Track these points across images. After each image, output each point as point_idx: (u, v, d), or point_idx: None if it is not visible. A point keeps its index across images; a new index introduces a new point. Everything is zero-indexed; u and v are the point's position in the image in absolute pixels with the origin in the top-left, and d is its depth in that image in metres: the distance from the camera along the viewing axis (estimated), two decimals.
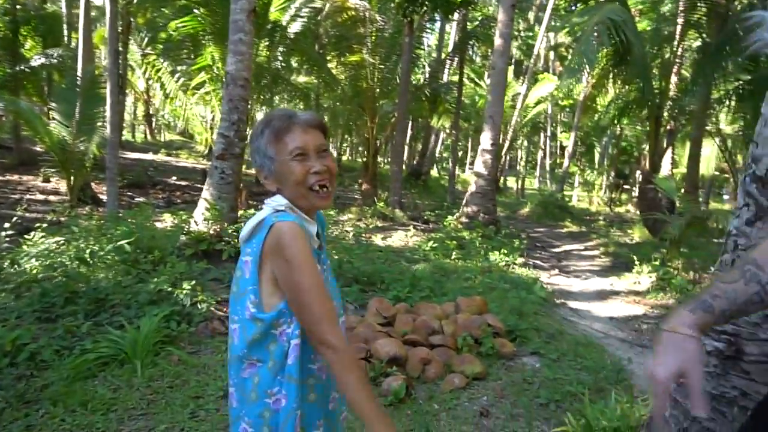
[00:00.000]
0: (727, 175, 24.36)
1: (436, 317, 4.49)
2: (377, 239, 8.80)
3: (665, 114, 10.52)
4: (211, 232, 5.84)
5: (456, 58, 15.75)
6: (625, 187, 29.01)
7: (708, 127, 13.85)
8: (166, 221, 7.96)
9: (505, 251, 8.07)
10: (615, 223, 14.72)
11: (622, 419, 2.34)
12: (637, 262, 7.70)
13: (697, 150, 11.83)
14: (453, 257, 7.59)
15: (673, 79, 11.10)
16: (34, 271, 4.87)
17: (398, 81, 13.76)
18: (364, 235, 9.20)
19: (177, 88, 11.34)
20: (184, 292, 4.48)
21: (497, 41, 9.50)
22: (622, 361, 4.31)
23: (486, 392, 3.61)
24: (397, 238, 9.27)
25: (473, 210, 10.11)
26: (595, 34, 8.19)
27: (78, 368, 3.29)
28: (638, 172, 28.77)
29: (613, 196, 25.74)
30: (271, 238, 1.24)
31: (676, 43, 10.99)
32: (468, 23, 16.38)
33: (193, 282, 4.67)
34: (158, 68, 11.49)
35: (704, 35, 11.18)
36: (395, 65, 13.66)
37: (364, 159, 15.26)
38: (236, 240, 5.98)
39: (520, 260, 8.05)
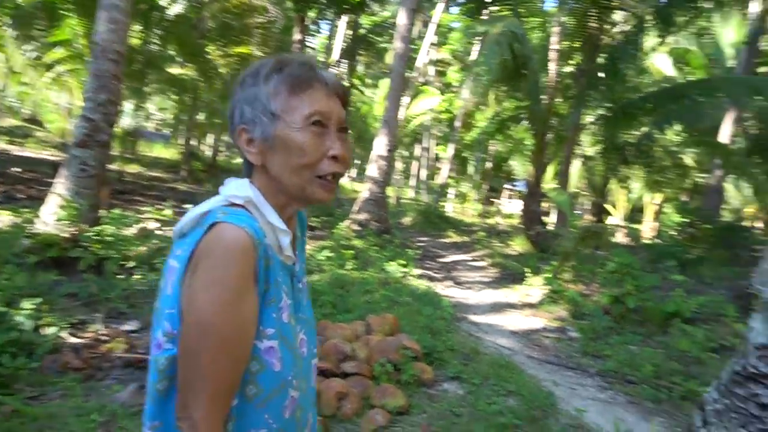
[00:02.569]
0: (585, 193, 26.60)
1: (345, 339, 3.94)
2: None
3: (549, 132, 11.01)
4: (65, 235, 4.74)
5: (346, 62, 15.33)
6: (492, 200, 30.77)
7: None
8: (3, 220, 6.49)
9: (402, 262, 7.73)
10: (493, 234, 15.19)
11: None
12: (529, 274, 7.78)
13: (566, 168, 12.60)
14: (349, 267, 7.07)
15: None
16: None
17: None
18: None
19: (26, 63, 9.56)
20: (25, 312, 3.45)
21: (397, 44, 9.23)
22: (543, 383, 4.09)
23: (413, 429, 3.13)
24: None
25: (365, 217, 9.70)
26: (498, 44, 8.26)
27: None
28: (507, 186, 30.80)
29: (489, 208, 27.03)
30: (207, 241, 0.82)
31: (554, 66, 11.57)
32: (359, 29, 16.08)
33: (38, 300, 3.64)
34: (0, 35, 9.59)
35: (579, 61, 11.93)
36: None
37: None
38: (97, 245, 4.93)
39: (416, 271, 7.76)
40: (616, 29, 11.50)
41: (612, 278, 6.67)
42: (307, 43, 15.87)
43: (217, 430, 0.82)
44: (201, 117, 19.69)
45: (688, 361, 4.81)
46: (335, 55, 20.32)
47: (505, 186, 32.13)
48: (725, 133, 12.67)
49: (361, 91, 24.77)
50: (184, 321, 0.83)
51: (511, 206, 33.19)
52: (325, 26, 24.56)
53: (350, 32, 17.65)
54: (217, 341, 0.81)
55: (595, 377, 4.56)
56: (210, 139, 30.20)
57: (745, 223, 16.86)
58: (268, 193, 0.94)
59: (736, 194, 17.81)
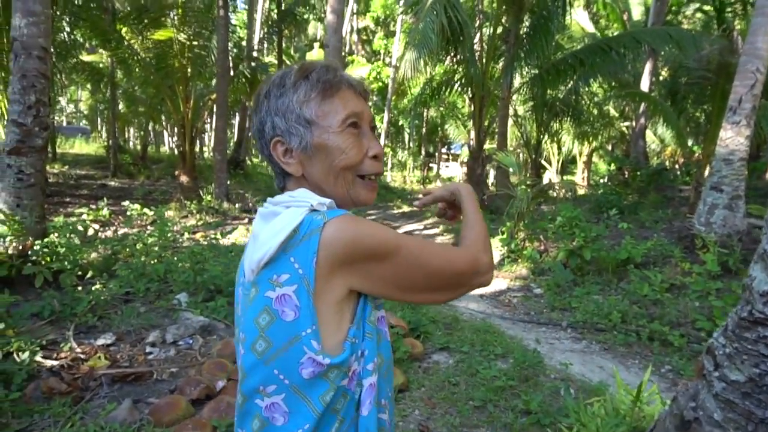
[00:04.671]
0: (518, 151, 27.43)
1: None
2: (218, 238, 7.77)
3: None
4: (12, 251, 4.40)
5: (273, 37, 14.84)
6: (430, 165, 31.21)
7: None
8: None
9: None
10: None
11: (622, 423, 2.11)
12: None
13: (504, 129, 12.92)
14: None
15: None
16: None
17: (213, 60, 12.48)
18: (197, 234, 8.11)
19: None
20: None
21: (329, 17, 9.00)
22: (525, 342, 4.27)
23: (415, 404, 3.20)
24: (240, 235, 8.34)
25: None
26: (434, 12, 8.24)
27: None
28: (443, 150, 31.27)
29: (428, 174, 27.34)
30: (332, 246, 0.81)
31: (487, 30, 11.74)
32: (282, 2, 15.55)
33: (0, 325, 3.40)
34: None
35: (504, 24, 12.12)
36: (208, 41, 12.32)
37: (179, 148, 13.58)
38: (48, 259, 4.62)
39: None
40: None
41: (562, 232, 6.99)
42: (229, 20, 15.20)
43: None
44: (122, 107, 18.61)
45: (647, 303, 5.15)
46: (257, 30, 19.64)
47: (442, 150, 32.63)
48: (645, 83, 13.37)
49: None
50: (397, 284, 0.88)
51: (449, 170, 33.82)
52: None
53: (270, 6, 17.10)
54: (415, 242, 0.89)
55: (568, 330, 4.81)
56: (133, 130, 28.70)
57: (664, 166, 18.03)
58: None
59: (654, 139, 18.90)
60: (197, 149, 17.74)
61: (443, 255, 0.92)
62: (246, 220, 10.30)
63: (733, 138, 5.92)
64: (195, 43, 11.89)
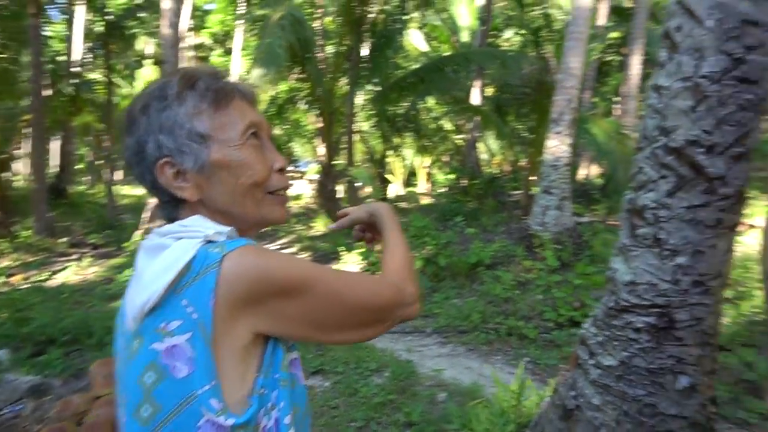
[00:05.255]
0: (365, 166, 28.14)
1: None
2: (44, 279, 6.75)
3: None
4: None
5: (98, 52, 13.51)
6: None
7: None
8: None
9: None
10: (291, 218, 15.21)
11: (509, 421, 2.16)
12: (343, 252, 8.00)
13: (350, 145, 13.17)
14: None
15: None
16: None
17: (25, 75, 10.96)
18: (14, 277, 6.97)
19: None
20: None
21: (166, 31, 8.40)
22: (397, 353, 4.30)
23: None
24: (71, 273, 7.34)
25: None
26: (281, 28, 8.07)
27: None
28: (289, 167, 31.08)
29: None
30: (233, 284, 0.68)
31: (331, 48, 11.92)
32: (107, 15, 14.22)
33: None
34: None
35: (347, 43, 12.40)
36: (18, 54, 10.80)
37: None
38: None
39: None
40: (375, 9, 12.21)
41: (416, 242, 7.26)
42: (43, 31, 13.46)
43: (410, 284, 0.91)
44: None
45: (500, 301, 5.52)
46: (78, 45, 17.68)
47: (293, 165, 32.40)
48: (476, 99, 14.60)
49: (119, 86, 22.19)
50: (310, 323, 0.75)
51: (295, 188, 33.54)
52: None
53: (94, 18, 15.60)
54: (330, 273, 0.78)
55: (433, 335, 4.96)
56: None
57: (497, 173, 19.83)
58: None
59: (484, 149, 20.70)
60: (7, 178, 15.36)
61: (364, 287, 0.81)
62: (76, 256, 9.12)
63: (557, 146, 6.66)
64: (1, 56, 10.32)
